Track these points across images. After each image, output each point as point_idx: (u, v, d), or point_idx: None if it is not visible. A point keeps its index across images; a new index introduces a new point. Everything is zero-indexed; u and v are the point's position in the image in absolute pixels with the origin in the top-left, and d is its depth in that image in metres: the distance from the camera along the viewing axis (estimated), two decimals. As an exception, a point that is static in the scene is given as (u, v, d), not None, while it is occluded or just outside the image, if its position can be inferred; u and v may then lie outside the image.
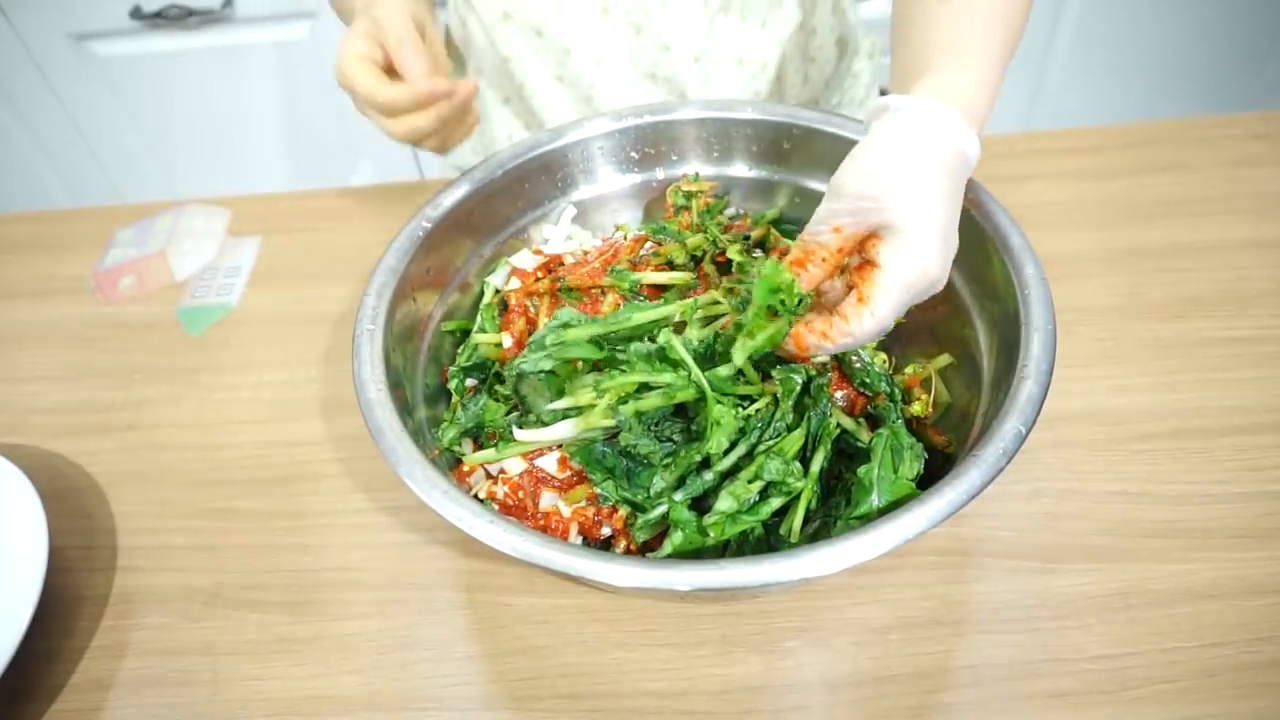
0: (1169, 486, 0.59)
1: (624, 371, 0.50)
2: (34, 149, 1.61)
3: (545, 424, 0.52)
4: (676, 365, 0.49)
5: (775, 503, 0.49)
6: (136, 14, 1.39)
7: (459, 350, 0.62)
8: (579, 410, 0.51)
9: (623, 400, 0.49)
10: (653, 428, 0.50)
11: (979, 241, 0.55)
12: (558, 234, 0.67)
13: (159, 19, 1.40)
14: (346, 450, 0.67)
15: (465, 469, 0.56)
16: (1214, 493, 0.58)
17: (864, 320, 0.47)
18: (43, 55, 1.46)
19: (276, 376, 0.73)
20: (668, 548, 0.49)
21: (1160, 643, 0.52)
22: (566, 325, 0.53)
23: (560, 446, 0.53)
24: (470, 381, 0.60)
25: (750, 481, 0.49)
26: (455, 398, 0.60)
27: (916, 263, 0.46)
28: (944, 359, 0.57)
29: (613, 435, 0.51)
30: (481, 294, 0.65)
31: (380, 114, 0.60)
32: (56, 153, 1.62)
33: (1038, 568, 0.56)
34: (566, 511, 0.52)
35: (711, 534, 0.48)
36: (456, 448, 0.57)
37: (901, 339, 0.61)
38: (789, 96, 0.84)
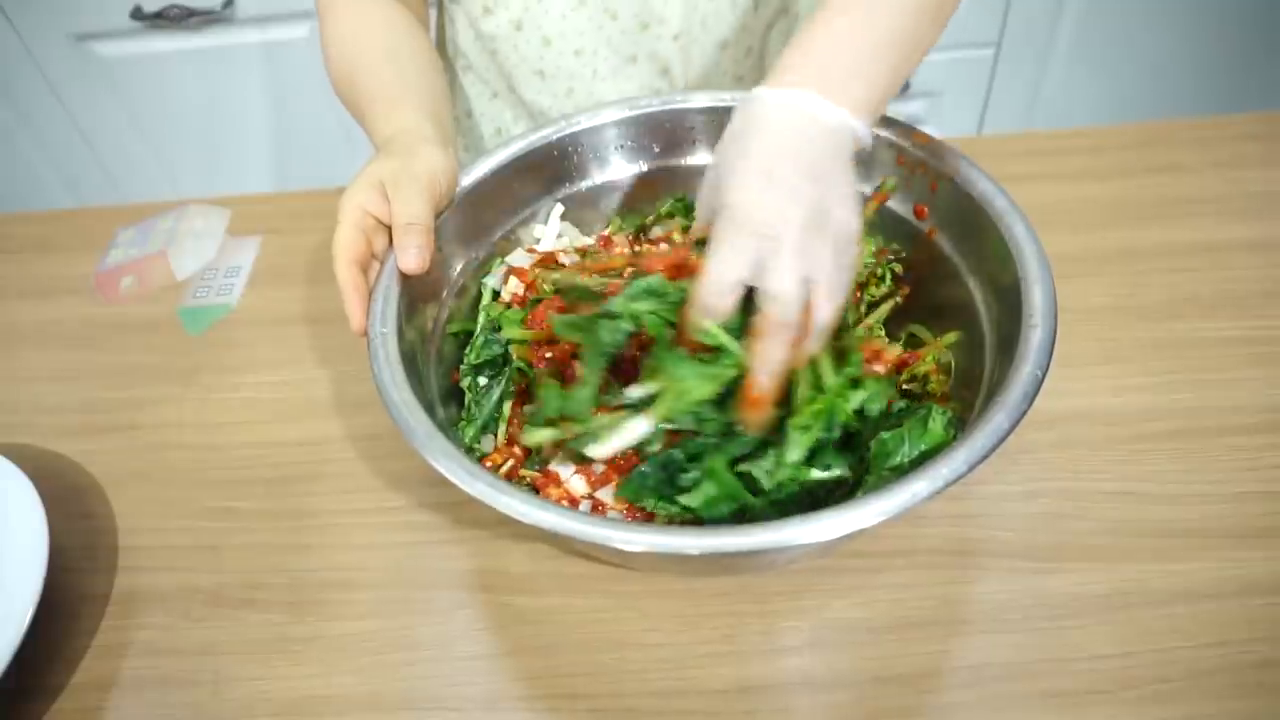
0: (1168, 486, 0.59)
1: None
2: (34, 149, 1.61)
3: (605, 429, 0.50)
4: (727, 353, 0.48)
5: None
6: (137, 14, 1.39)
7: (465, 351, 0.62)
8: (651, 400, 0.49)
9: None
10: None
11: (964, 207, 0.57)
12: (549, 233, 0.68)
13: (159, 19, 1.40)
14: (347, 450, 0.67)
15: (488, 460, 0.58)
16: (1213, 492, 0.59)
17: (705, 271, 0.47)
18: (43, 55, 1.46)
19: (277, 376, 0.73)
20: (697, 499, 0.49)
21: (1159, 642, 0.52)
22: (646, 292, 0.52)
23: (589, 462, 0.53)
24: (481, 379, 0.61)
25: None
26: (469, 395, 0.60)
27: (736, 200, 0.47)
28: (951, 335, 0.58)
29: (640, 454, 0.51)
30: (479, 296, 0.65)
31: (335, 259, 0.55)
32: (57, 153, 1.62)
33: (1037, 568, 0.56)
34: (581, 491, 0.53)
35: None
36: (476, 445, 0.58)
37: (900, 313, 0.62)
38: None
